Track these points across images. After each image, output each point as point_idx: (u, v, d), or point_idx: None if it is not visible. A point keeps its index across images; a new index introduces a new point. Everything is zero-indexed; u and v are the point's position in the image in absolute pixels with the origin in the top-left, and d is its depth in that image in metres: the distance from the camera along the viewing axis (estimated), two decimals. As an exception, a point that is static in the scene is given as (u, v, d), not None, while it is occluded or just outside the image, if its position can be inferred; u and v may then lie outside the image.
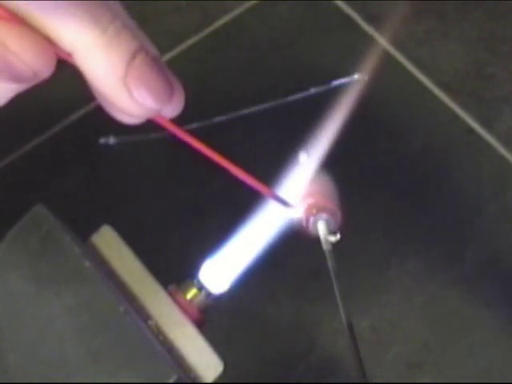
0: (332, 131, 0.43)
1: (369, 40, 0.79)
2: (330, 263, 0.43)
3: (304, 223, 0.44)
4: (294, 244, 0.64)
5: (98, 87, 0.32)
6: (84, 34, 0.31)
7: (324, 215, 0.44)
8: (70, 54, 0.32)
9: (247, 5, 0.80)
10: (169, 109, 0.34)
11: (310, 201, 0.43)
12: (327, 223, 0.44)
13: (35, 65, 0.31)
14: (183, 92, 0.35)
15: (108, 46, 0.31)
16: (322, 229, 0.44)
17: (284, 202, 0.40)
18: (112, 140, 0.72)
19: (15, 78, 0.32)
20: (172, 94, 0.33)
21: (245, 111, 0.72)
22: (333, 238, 0.44)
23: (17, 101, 0.76)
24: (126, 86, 0.32)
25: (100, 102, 0.35)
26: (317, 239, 0.65)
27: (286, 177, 0.43)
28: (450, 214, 0.70)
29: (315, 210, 0.43)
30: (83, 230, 0.41)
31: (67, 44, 0.31)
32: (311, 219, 0.44)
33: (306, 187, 0.43)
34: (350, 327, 0.39)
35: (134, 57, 0.32)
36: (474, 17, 0.80)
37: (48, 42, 0.31)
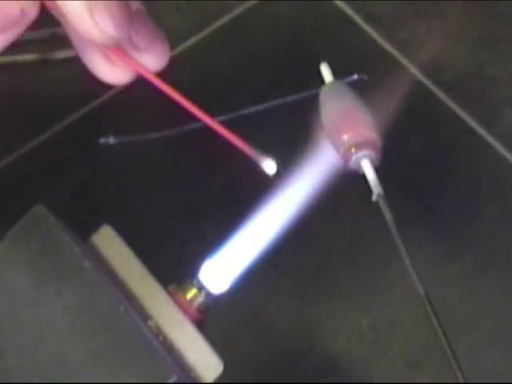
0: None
1: (369, 40, 0.79)
2: (384, 208, 0.39)
3: (345, 165, 0.39)
4: (294, 244, 0.64)
5: (64, 13, 0.34)
6: None
7: (366, 152, 0.38)
8: None
9: (247, 5, 0.80)
10: (151, 59, 0.36)
11: (348, 137, 0.38)
12: (371, 160, 0.39)
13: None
14: (167, 46, 0.36)
15: None
16: (367, 168, 0.39)
17: (262, 160, 0.38)
18: (112, 140, 0.71)
19: (3, 18, 0.33)
20: (129, 21, 0.35)
21: (245, 111, 0.72)
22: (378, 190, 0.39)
23: (17, 100, 0.76)
24: (89, 11, 0.34)
25: (81, 57, 0.36)
26: (317, 238, 0.66)
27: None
28: (450, 214, 0.70)
29: (354, 148, 0.38)
30: (83, 230, 0.41)
31: None
32: (353, 158, 0.39)
33: (335, 121, 0.38)
34: (427, 296, 0.36)
35: None
36: (473, 17, 0.80)
37: None
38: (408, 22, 0.80)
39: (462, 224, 0.70)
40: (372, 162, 0.38)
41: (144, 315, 0.39)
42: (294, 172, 0.41)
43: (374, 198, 0.39)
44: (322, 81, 0.70)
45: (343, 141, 0.38)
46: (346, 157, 0.38)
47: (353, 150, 0.37)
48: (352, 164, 0.38)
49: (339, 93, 0.41)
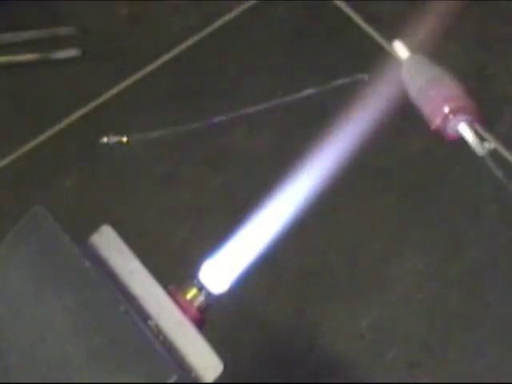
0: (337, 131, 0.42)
1: (369, 40, 0.79)
2: (493, 167, 0.40)
3: (443, 131, 0.40)
4: (294, 244, 0.64)
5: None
6: None
7: (463, 117, 0.39)
8: None
9: (247, 5, 0.80)
10: None
11: (445, 106, 0.39)
12: (468, 123, 0.40)
13: None
14: None
15: None
16: (466, 131, 0.40)
17: None
18: (112, 140, 0.72)
19: None
20: None
21: (245, 111, 0.72)
22: (487, 145, 0.40)
23: (17, 100, 0.76)
24: None
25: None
26: (317, 238, 0.65)
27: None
28: (450, 214, 0.70)
29: (451, 113, 0.39)
30: (83, 230, 0.41)
31: None
32: (450, 124, 0.40)
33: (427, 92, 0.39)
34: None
35: None
36: (474, 17, 0.80)
37: None
38: (408, 22, 0.80)
39: (462, 224, 0.70)
40: (469, 125, 0.40)
41: (144, 315, 0.39)
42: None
43: (482, 153, 0.40)
44: (322, 81, 0.70)
45: (441, 110, 0.39)
46: (444, 124, 0.39)
47: (450, 116, 0.39)
48: (450, 129, 0.40)
49: (423, 66, 0.42)
